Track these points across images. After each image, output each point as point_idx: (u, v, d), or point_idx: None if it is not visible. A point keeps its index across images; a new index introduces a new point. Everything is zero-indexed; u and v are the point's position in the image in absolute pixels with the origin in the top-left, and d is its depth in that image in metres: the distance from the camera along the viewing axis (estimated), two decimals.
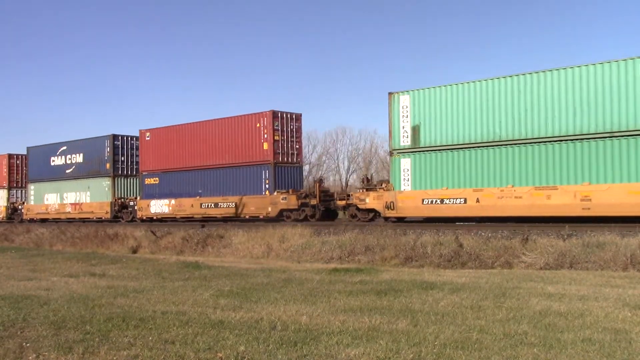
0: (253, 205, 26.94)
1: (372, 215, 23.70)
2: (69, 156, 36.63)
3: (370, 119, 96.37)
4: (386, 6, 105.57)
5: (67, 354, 6.50)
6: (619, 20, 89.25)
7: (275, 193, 26.20)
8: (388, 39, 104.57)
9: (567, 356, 6.05)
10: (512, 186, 19.85)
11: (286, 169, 27.20)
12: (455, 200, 21.05)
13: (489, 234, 16.54)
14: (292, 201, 25.81)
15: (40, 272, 15.31)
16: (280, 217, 26.31)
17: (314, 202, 25.80)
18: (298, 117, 27.89)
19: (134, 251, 22.17)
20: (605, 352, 6.13)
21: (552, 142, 19.18)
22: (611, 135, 18.02)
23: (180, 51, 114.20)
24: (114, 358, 6.33)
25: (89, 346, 6.79)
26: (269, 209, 26.21)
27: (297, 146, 27.84)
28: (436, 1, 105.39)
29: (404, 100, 22.57)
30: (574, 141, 18.74)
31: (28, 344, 6.96)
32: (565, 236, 14.71)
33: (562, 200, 18.73)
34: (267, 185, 26.58)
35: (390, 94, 22.83)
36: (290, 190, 26.38)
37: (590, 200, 18.22)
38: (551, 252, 13.84)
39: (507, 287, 10.48)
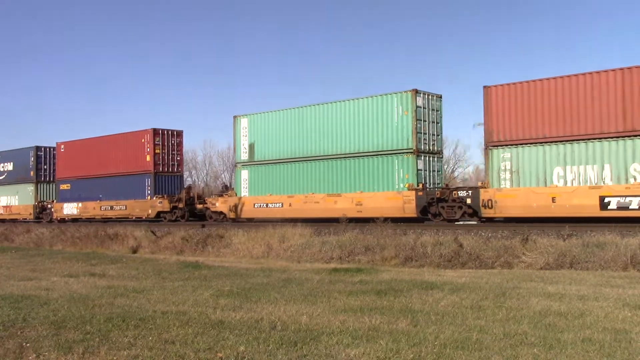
0: (138, 208, 32.38)
1: (223, 216, 28.45)
2: (2, 164, 42.41)
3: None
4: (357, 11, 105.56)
5: (67, 354, 6.50)
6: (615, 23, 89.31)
7: (154, 198, 31.51)
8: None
9: (567, 356, 6.05)
10: (313, 193, 25.20)
11: (167, 178, 32.58)
12: (275, 204, 26.30)
13: (489, 234, 16.55)
14: (166, 205, 31.18)
15: (40, 272, 15.31)
16: (159, 218, 31.42)
17: (181, 205, 30.90)
18: (179, 134, 33.63)
19: (134, 251, 22.16)
20: (605, 352, 6.13)
21: (337, 159, 24.71)
22: (377, 154, 23.52)
23: (181, 52, 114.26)
24: (114, 358, 6.32)
25: (89, 346, 6.79)
26: (149, 211, 31.65)
27: (178, 158, 33.47)
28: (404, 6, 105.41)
29: (244, 122, 27.96)
30: (351, 158, 24.29)
31: (28, 344, 6.96)
32: (566, 236, 14.71)
33: (344, 204, 24.04)
34: (148, 191, 31.93)
35: (234, 117, 28.31)
36: (166, 196, 31.61)
37: (362, 204, 23.58)
38: (551, 252, 13.84)
39: (507, 287, 10.48)
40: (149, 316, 8.46)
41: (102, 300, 10.02)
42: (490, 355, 6.09)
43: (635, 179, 18.04)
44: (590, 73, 19.10)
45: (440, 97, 23.82)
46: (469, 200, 21.07)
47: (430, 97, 23.35)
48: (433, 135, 23.38)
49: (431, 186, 22.83)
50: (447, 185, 25.49)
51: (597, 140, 18.84)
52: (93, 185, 35.17)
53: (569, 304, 8.75)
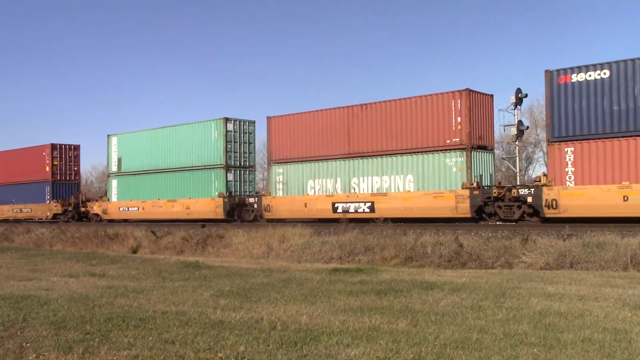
0: (39, 210, 38.46)
1: (99, 217, 34.72)
2: None
3: None
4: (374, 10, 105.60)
5: (67, 354, 6.50)
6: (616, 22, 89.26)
7: (51, 202, 37.57)
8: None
9: (567, 356, 6.04)
10: (159, 199, 30.67)
11: (64, 185, 38.61)
12: (133, 208, 32.30)
13: (489, 234, 16.54)
14: (59, 208, 37.17)
15: (40, 272, 15.30)
16: (55, 219, 36.71)
17: (70, 208, 36.98)
18: (77, 147, 39.65)
19: (134, 251, 22.15)
20: (605, 352, 6.13)
21: (175, 172, 30.15)
22: (200, 168, 29.03)
23: (183, 53, 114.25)
24: (114, 358, 6.32)
25: (89, 346, 6.79)
26: (48, 213, 37.56)
27: (75, 168, 39.59)
28: (425, 6, 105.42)
29: (114, 140, 33.89)
30: (184, 171, 29.75)
31: (28, 344, 6.96)
32: (565, 236, 14.71)
33: (178, 208, 29.63)
34: (48, 197, 37.99)
35: (108, 135, 34.15)
36: (60, 200, 37.42)
37: (190, 208, 29.04)
38: (551, 252, 13.83)
39: (507, 287, 10.47)
40: (149, 316, 8.46)
41: (102, 300, 10.02)
42: (490, 355, 6.08)
43: (353, 190, 23.78)
44: (331, 109, 24.94)
45: (254, 122, 29.80)
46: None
47: (242, 122, 29.26)
48: (245, 153, 29.25)
49: (238, 193, 28.60)
50: (257, 193, 31.25)
51: (333, 159, 24.49)
52: (7, 191, 41.34)
53: (569, 304, 8.74)
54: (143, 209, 31.50)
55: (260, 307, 9.14)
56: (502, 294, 9.82)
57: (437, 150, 21.49)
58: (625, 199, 17.42)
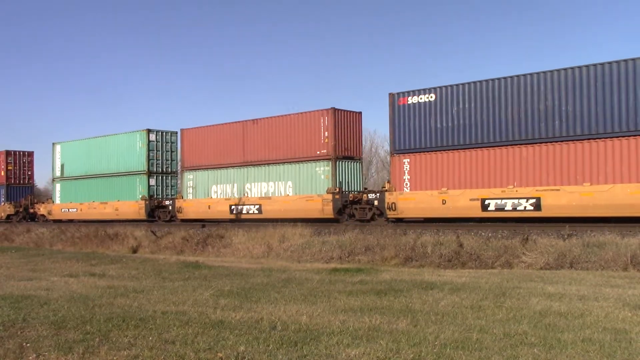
0: None
1: (45, 218, 38.09)
2: None
3: (369, 120, 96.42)
4: (383, 8, 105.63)
5: (67, 354, 6.50)
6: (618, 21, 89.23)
7: (5, 204, 41.68)
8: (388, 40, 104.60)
9: (567, 356, 6.04)
10: (93, 202, 34.44)
11: (19, 188, 42.77)
12: (73, 209, 35.84)
13: (489, 234, 16.54)
14: (12, 209, 41.25)
15: (40, 272, 15.30)
16: (9, 220, 39.89)
17: (21, 209, 40.88)
18: (30, 154, 43.48)
19: (134, 251, 22.15)
20: (605, 352, 6.13)
21: (107, 177, 33.94)
22: (127, 174, 32.80)
23: (186, 54, 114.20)
24: (114, 358, 6.32)
25: (89, 346, 6.78)
26: (2, 214, 41.53)
27: (29, 173, 43.56)
28: (435, 4, 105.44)
29: (58, 147, 37.41)
30: (114, 176, 33.48)
31: (28, 344, 6.95)
32: (566, 236, 14.70)
33: (109, 210, 33.47)
34: (2, 199, 42.11)
35: (53, 143, 37.80)
36: (12, 202, 41.52)
37: (118, 210, 33.03)
38: (551, 252, 13.83)
39: (507, 287, 10.47)
40: (149, 316, 8.45)
41: (102, 300, 10.01)
42: (490, 355, 6.08)
43: (247, 194, 27.29)
44: (230, 123, 28.57)
45: (176, 132, 32.84)
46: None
47: (164, 133, 32.90)
48: (167, 160, 32.84)
49: (160, 197, 32.27)
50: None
51: (232, 167, 27.99)
52: None
53: (569, 304, 8.74)
54: (81, 210, 35.37)
55: (260, 307, 9.13)
56: (502, 293, 9.82)
57: (309, 160, 24.91)
58: (444, 202, 20.77)
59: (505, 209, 19.46)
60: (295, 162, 25.38)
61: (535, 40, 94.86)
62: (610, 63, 17.80)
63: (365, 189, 26.11)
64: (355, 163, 25.34)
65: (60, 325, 7.93)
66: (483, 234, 16.74)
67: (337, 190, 23.74)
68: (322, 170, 24.41)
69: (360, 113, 25.55)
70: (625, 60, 17.52)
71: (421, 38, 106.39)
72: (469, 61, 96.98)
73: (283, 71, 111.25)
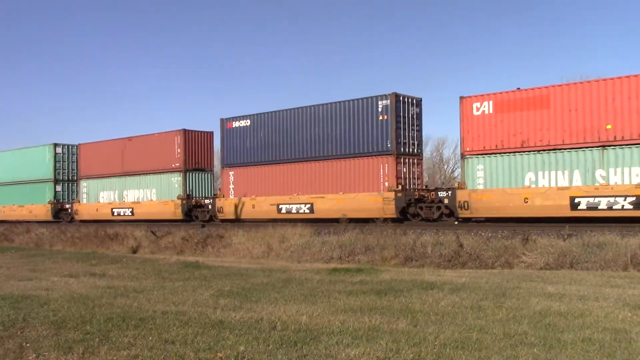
0: None
1: None
2: None
3: None
4: (394, 9, 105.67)
5: (67, 354, 6.50)
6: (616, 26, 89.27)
7: None
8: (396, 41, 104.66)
9: (567, 356, 6.04)
10: (14, 205, 38.83)
11: None
12: None
13: (489, 234, 16.53)
14: None
15: (40, 272, 15.30)
16: None
17: None
18: None
19: (134, 251, 22.15)
20: (605, 352, 6.13)
21: (19, 184, 38.87)
22: (35, 182, 37.95)
23: (187, 54, 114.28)
24: (114, 358, 6.32)
25: (89, 346, 6.78)
26: None
27: None
28: (448, 7, 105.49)
29: None
30: (27, 184, 38.50)
31: (28, 344, 6.96)
32: (566, 236, 14.70)
33: (25, 212, 37.87)
34: None
35: None
36: None
37: (32, 212, 37.40)
38: (551, 252, 13.83)
39: (507, 287, 10.47)
40: (149, 316, 8.45)
41: (102, 300, 10.01)
42: (490, 355, 6.08)
43: (124, 199, 32.73)
44: (113, 140, 34.08)
45: (78, 145, 36.96)
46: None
47: (70, 147, 37.68)
48: (73, 170, 37.45)
49: (63, 200, 37.06)
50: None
51: (114, 177, 33.65)
52: None
53: (569, 304, 8.74)
54: (4, 212, 39.87)
55: (260, 307, 9.13)
56: (502, 294, 9.82)
57: (167, 172, 30.59)
58: (254, 207, 26.59)
59: (292, 211, 25.03)
60: (158, 173, 31.15)
61: (535, 40, 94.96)
62: (359, 99, 23.58)
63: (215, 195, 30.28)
64: (205, 174, 31.17)
65: (60, 325, 7.93)
66: (483, 234, 16.75)
67: (185, 195, 29.84)
68: (176, 180, 30.17)
69: (211, 132, 31.41)
70: (370, 97, 23.22)
71: (417, 39, 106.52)
72: (469, 60, 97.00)
73: (282, 71, 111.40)
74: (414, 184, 23.33)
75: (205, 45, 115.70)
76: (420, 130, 23.90)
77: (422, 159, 24.35)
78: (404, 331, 7.19)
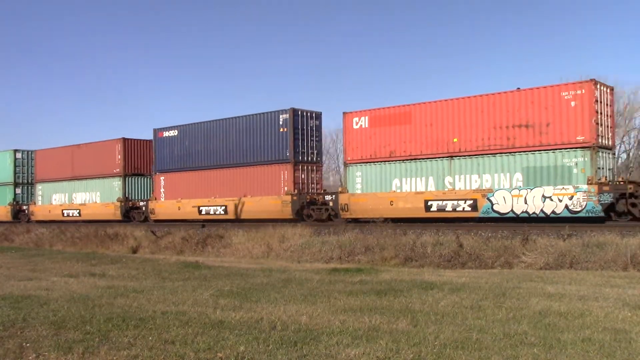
0: None
1: None
2: None
3: None
4: (390, 10, 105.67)
5: (67, 354, 6.50)
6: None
7: None
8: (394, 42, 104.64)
9: (567, 356, 6.04)
10: None
11: None
12: None
13: (489, 234, 16.53)
14: None
15: (40, 272, 15.30)
16: None
17: None
18: None
19: (134, 251, 22.16)
20: (605, 352, 6.13)
21: None
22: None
23: (187, 53, 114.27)
24: (114, 358, 6.32)
25: (89, 346, 6.78)
26: None
27: None
28: (442, 7, 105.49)
29: None
30: None
31: (28, 344, 6.96)
32: (565, 236, 14.70)
33: (2, 211, 40.12)
34: None
35: None
36: None
37: None
38: (551, 252, 13.83)
39: (507, 287, 10.47)
40: (149, 316, 8.45)
41: (102, 300, 10.01)
42: (490, 355, 6.08)
43: (73, 201, 35.85)
44: (63, 147, 37.25)
45: (34, 151, 39.77)
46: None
47: (30, 152, 40.28)
48: (32, 174, 40.05)
49: (23, 202, 39.81)
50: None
51: (65, 181, 36.55)
52: None
53: (569, 304, 8.74)
54: None
55: (260, 307, 9.13)
56: (502, 294, 9.82)
57: (109, 176, 33.52)
58: (179, 208, 29.63)
59: (210, 213, 28.27)
60: (101, 177, 34.19)
61: (535, 40, 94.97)
62: (264, 113, 26.45)
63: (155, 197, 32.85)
64: (144, 178, 33.73)
65: (60, 325, 7.93)
66: (483, 234, 16.75)
67: (124, 198, 32.60)
68: (116, 184, 33.10)
69: (150, 140, 32.65)
70: (272, 112, 26.02)
71: (414, 40, 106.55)
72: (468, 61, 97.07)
73: (282, 72, 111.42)
74: (312, 188, 26.20)
75: (205, 46, 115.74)
76: (319, 141, 26.99)
77: (321, 166, 27.46)
78: (404, 331, 7.19)
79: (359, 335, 7.04)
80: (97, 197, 34.38)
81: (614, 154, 20.85)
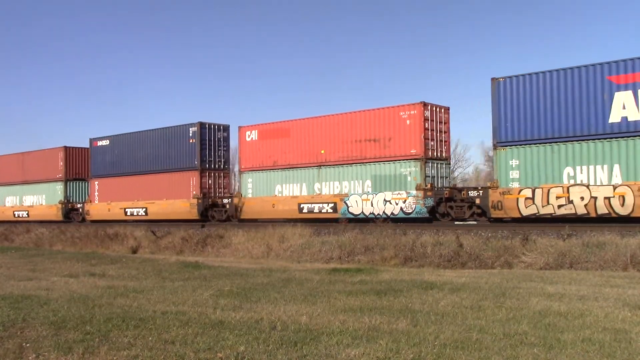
0: None
1: None
2: None
3: None
4: (387, 11, 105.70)
5: (67, 354, 6.50)
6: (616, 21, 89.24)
7: None
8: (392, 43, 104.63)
9: (567, 356, 6.04)
10: None
11: None
12: None
13: (489, 234, 16.53)
14: None
15: (40, 272, 15.30)
16: None
17: None
18: None
19: (134, 251, 22.16)
20: (605, 352, 6.13)
21: None
22: None
23: (187, 53, 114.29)
24: (114, 358, 6.32)
25: (89, 346, 6.78)
26: None
27: None
28: (438, 6, 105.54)
29: None
30: None
31: (28, 344, 6.95)
32: (565, 236, 14.70)
33: None
34: None
35: None
36: None
37: None
38: (551, 252, 13.83)
39: (507, 287, 10.47)
40: (149, 316, 8.45)
41: (102, 300, 10.01)
42: (490, 355, 6.08)
43: (23, 203, 39.12)
44: (13, 154, 40.58)
45: None
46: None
47: None
48: None
49: None
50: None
51: (16, 185, 39.63)
52: None
53: (568, 304, 8.74)
54: None
55: (260, 307, 9.13)
56: (502, 294, 9.82)
57: (52, 181, 36.85)
58: (109, 210, 33.29)
59: (134, 214, 31.79)
60: (46, 182, 37.34)
61: (534, 39, 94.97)
62: (176, 126, 30.17)
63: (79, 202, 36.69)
64: (84, 183, 36.64)
65: (60, 325, 7.93)
66: (483, 234, 16.75)
67: (65, 201, 36.24)
68: (59, 188, 36.56)
69: (86, 148, 35.97)
70: (183, 125, 29.58)
71: (416, 40, 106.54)
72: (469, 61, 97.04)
73: (283, 72, 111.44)
74: (220, 192, 29.71)
75: (204, 46, 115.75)
76: (227, 150, 30.47)
77: (228, 172, 30.97)
78: (403, 331, 7.19)
79: (359, 335, 7.04)
80: (43, 199, 37.78)
81: (449, 163, 24.15)
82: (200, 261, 17.05)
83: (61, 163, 36.55)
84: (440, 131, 22.89)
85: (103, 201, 33.82)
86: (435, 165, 22.56)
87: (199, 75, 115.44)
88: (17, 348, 6.80)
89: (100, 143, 34.72)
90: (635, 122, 17.23)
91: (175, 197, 29.67)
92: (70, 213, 36.26)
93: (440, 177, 22.84)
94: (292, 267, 15.20)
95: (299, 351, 6.40)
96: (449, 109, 23.45)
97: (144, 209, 31.27)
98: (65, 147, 36.57)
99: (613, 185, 17.49)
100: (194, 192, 28.74)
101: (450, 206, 21.74)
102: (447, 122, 23.29)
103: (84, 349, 6.67)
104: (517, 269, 13.72)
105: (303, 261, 16.86)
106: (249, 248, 19.29)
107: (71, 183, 36.65)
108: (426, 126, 21.98)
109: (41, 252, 22.63)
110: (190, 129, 29.38)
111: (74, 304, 9.71)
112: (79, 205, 35.90)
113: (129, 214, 31.99)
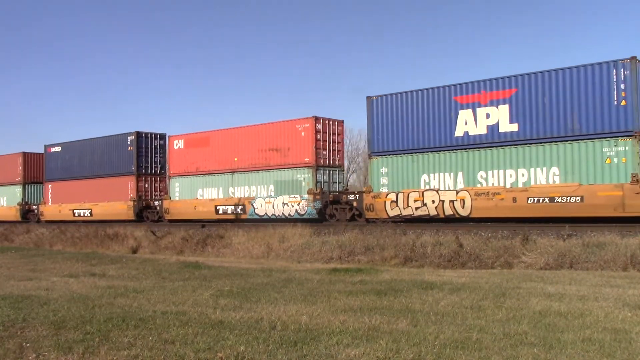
0: None
1: None
2: None
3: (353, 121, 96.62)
4: (384, 8, 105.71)
5: (67, 354, 6.50)
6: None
7: None
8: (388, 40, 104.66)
9: (567, 356, 6.04)
10: None
11: None
12: None
13: (489, 234, 16.52)
14: None
15: (40, 272, 15.30)
16: None
17: None
18: None
19: (134, 251, 22.16)
20: (605, 352, 6.13)
21: None
22: None
23: (187, 54, 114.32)
24: (114, 358, 6.32)
25: (89, 346, 6.78)
26: None
27: None
28: (432, 5, 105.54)
29: None
30: None
31: (28, 344, 6.95)
32: (565, 236, 14.70)
33: None
34: None
35: None
36: None
37: None
38: (551, 252, 13.83)
39: (507, 287, 10.47)
40: (149, 316, 8.45)
41: (102, 300, 10.01)
42: (490, 355, 6.08)
43: (2, 205, 41.15)
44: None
45: None
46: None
47: None
48: None
49: None
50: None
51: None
52: None
53: (569, 304, 8.74)
54: None
55: (260, 307, 9.13)
56: (502, 294, 9.82)
57: (12, 184, 40.07)
58: (60, 211, 36.38)
59: (81, 215, 34.87)
60: (7, 185, 40.51)
61: (535, 39, 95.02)
62: (115, 135, 33.49)
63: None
64: (39, 186, 39.36)
65: (60, 325, 7.93)
66: (483, 234, 16.74)
67: (23, 203, 39.33)
68: (18, 191, 39.89)
69: (43, 154, 38.63)
70: (122, 134, 33.05)
71: (411, 40, 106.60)
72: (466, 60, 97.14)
73: (283, 72, 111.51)
74: (156, 195, 32.82)
75: (205, 46, 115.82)
76: (164, 157, 33.18)
77: (165, 177, 33.44)
78: (404, 331, 7.19)
79: (359, 335, 7.04)
80: (5, 201, 41.08)
81: (342, 170, 26.94)
82: (201, 261, 17.05)
83: (20, 167, 39.74)
84: (334, 142, 26.13)
85: (55, 203, 37.01)
86: (328, 171, 25.64)
87: (199, 75, 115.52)
88: (17, 348, 6.80)
89: (53, 149, 37.79)
90: (474, 136, 20.28)
91: (115, 200, 33.04)
92: (28, 214, 39.36)
93: (334, 183, 25.90)
94: (292, 267, 15.20)
95: (299, 351, 6.40)
96: (342, 122, 26.80)
97: (89, 210, 34.52)
98: (24, 153, 39.77)
99: (456, 190, 20.47)
100: (131, 195, 32.22)
101: (336, 208, 24.71)
102: (340, 134, 26.65)
103: (84, 348, 6.67)
104: (517, 269, 13.72)
105: (303, 261, 16.86)
106: (249, 248, 19.29)
107: (29, 186, 39.85)
108: (318, 137, 25.10)
109: (41, 252, 22.63)
110: (129, 137, 32.63)
111: (74, 304, 9.71)
112: (34, 207, 39.01)
113: (76, 214, 35.14)
